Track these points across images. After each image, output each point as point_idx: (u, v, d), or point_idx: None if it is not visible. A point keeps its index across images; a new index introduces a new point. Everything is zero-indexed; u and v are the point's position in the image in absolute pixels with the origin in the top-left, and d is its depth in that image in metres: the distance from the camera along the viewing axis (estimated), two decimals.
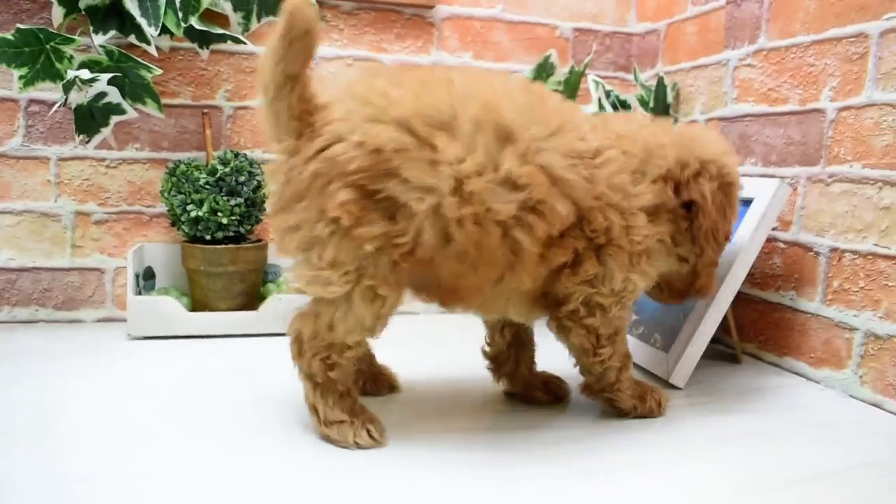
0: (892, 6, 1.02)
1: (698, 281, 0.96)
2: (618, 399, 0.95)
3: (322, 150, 0.78)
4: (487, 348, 1.03)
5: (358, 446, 0.83)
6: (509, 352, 1.02)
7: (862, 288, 1.06)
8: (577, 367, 0.96)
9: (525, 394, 1.02)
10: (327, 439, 0.85)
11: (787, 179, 1.20)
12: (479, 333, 1.05)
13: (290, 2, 0.76)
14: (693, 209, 0.92)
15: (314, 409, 0.86)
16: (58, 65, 1.21)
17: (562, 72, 1.42)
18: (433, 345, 1.30)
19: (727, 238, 0.96)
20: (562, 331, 0.92)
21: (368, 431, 0.84)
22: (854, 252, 1.08)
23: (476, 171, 0.78)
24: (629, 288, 0.89)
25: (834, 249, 1.11)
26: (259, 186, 1.32)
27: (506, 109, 0.81)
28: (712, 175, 0.92)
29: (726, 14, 1.36)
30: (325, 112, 0.81)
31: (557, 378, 1.04)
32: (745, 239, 1.09)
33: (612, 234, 0.87)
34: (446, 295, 0.86)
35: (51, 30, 1.18)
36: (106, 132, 1.27)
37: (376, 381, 1.03)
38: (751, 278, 1.27)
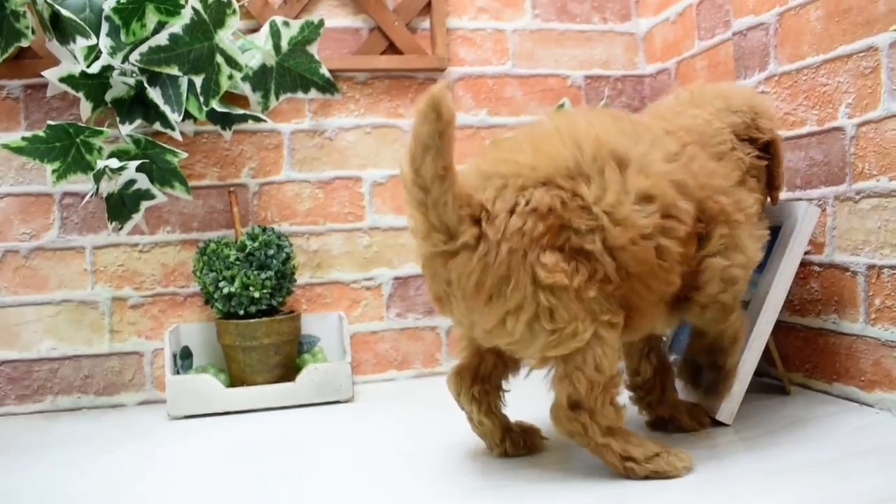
0: None
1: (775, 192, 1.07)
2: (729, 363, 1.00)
3: (505, 227, 0.81)
4: (631, 378, 1.06)
5: (687, 471, 0.86)
6: (655, 378, 1.05)
7: None
8: (697, 349, 1.02)
9: (672, 418, 1.04)
10: (656, 475, 0.85)
11: (814, 201, 1.18)
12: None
13: (433, 96, 0.76)
14: (771, 147, 1.04)
15: (628, 457, 0.85)
16: (88, 156, 1.26)
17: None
18: None
19: None
20: (701, 313, 0.96)
21: (678, 455, 0.87)
22: (892, 267, 1.04)
23: (617, 201, 0.84)
24: (755, 257, 0.97)
25: (871, 267, 1.08)
26: (288, 258, 1.34)
27: (611, 139, 0.87)
28: (759, 112, 1.04)
29: (734, 45, 1.37)
30: (479, 193, 0.83)
31: (698, 405, 1.07)
32: (778, 266, 1.07)
33: (727, 214, 0.93)
34: (631, 316, 0.89)
35: (80, 124, 1.23)
36: (137, 218, 1.30)
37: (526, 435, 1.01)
38: (790, 306, 1.23)
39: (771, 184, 1.06)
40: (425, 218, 0.82)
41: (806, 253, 1.18)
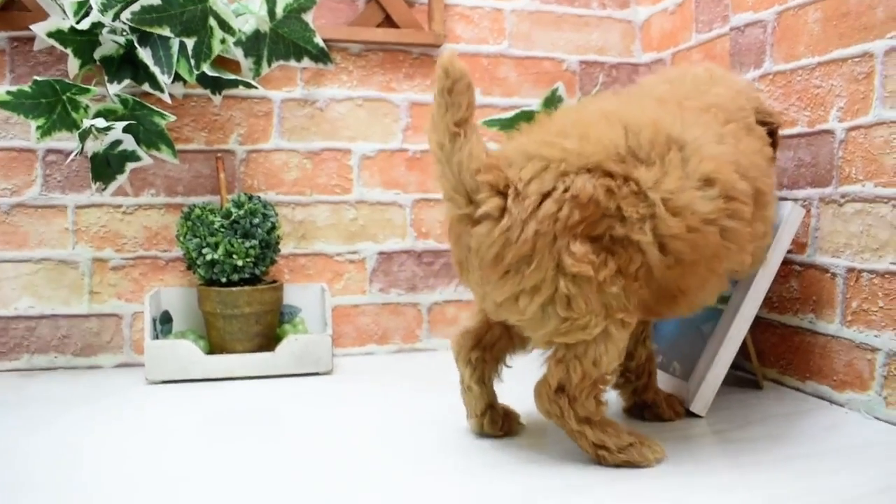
0: None
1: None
2: None
3: (535, 209, 0.81)
4: (625, 362, 1.05)
5: (658, 462, 0.88)
6: (647, 364, 1.06)
7: (881, 308, 1.04)
8: None
9: (653, 404, 1.06)
10: (627, 464, 0.87)
11: (799, 201, 1.19)
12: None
13: (441, 57, 0.81)
14: (775, 135, 1.07)
15: (601, 446, 0.87)
16: (74, 114, 1.23)
17: (569, 104, 1.43)
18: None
19: None
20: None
21: (651, 446, 0.88)
22: (871, 272, 1.06)
23: (678, 187, 0.84)
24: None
25: (851, 270, 1.10)
26: (273, 228, 1.34)
27: (667, 123, 0.88)
28: (762, 101, 1.08)
29: (731, 40, 1.37)
30: (515, 170, 0.83)
31: (674, 396, 1.09)
32: (762, 263, 1.08)
33: (766, 196, 0.96)
34: (665, 303, 0.91)
35: (67, 81, 1.21)
36: (122, 179, 1.29)
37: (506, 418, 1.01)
38: (769, 303, 1.25)
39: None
40: (444, 177, 0.84)
41: (788, 252, 1.19)
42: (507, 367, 1.00)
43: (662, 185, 0.84)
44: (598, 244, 0.82)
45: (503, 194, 0.83)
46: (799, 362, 1.20)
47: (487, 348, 0.98)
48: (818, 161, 1.16)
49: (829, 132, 1.14)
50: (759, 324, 1.26)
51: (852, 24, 1.10)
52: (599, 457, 0.87)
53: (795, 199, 1.20)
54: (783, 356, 1.23)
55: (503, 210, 0.82)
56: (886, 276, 1.04)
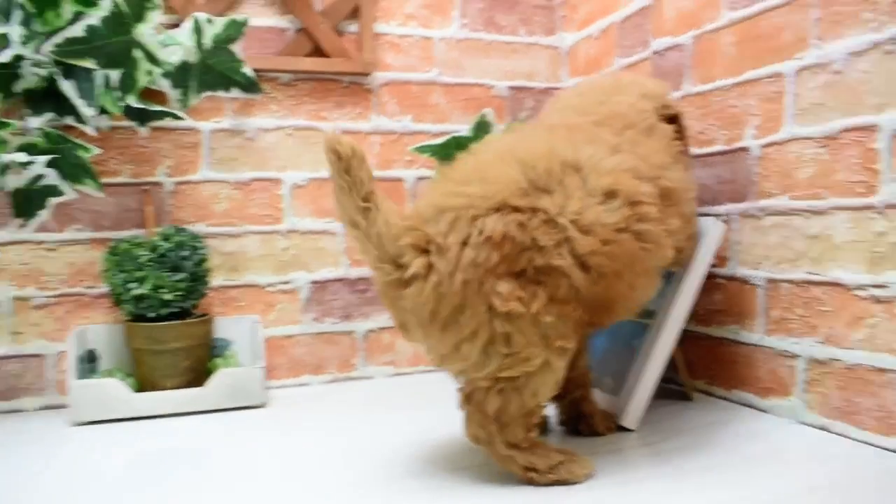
0: (804, 46, 1.07)
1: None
2: None
3: (458, 259, 0.82)
4: (567, 372, 1.04)
5: (587, 477, 0.88)
6: (587, 374, 1.08)
7: (800, 316, 1.08)
8: None
9: (590, 415, 1.07)
10: (557, 483, 0.87)
11: (721, 216, 1.23)
12: None
13: (326, 140, 0.82)
14: (678, 120, 1.10)
15: (531, 468, 0.87)
16: None
17: (499, 129, 1.45)
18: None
19: None
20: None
21: (579, 462, 0.89)
22: (789, 281, 1.10)
23: (583, 206, 0.86)
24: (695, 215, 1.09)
25: (770, 280, 1.13)
26: (203, 260, 1.32)
27: (559, 149, 0.90)
28: (661, 93, 1.10)
29: (652, 64, 1.41)
30: (432, 225, 0.84)
31: (607, 411, 1.10)
32: (685, 279, 1.11)
33: (674, 189, 0.98)
34: (602, 313, 0.93)
35: None
36: (44, 214, 1.25)
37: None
38: (695, 315, 1.28)
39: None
40: (366, 251, 0.84)
41: (712, 266, 1.23)
42: None
43: (568, 209, 0.86)
44: (523, 278, 0.84)
45: (426, 251, 0.83)
46: (725, 372, 1.22)
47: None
48: (737, 177, 1.20)
49: (746, 149, 1.18)
50: (686, 336, 1.29)
51: (764, 46, 1.14)
52: (529, 479, 0.87)
53: (717, 215, 1.23)
54: (710, 367, 1.26)
55: (429, 267, 0.83)
56: (803, 284, 1.07)
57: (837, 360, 1.02)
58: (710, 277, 1.24)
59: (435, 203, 0.86)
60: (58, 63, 1.20)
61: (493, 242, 0.82)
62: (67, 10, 1.20)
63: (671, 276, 1.12)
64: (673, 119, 1.09)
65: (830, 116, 1.03)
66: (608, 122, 1.00)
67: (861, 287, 0.98)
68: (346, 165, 0.81)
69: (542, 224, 0.84)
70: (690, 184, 1.07)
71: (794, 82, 1.09)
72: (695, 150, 1.29)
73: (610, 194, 0.88)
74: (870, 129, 0.98)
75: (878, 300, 0.96)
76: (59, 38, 1.19)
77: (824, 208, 1.04)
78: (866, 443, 0.98)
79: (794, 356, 1.08)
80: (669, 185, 0.97)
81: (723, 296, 1.23)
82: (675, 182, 0.99)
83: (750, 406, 1.17)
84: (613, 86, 1.08)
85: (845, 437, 1.01)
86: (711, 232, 1.12)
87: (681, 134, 1.10)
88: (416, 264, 0.83)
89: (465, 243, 0.82)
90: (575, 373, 1.06)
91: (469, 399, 0.89)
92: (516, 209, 0.84)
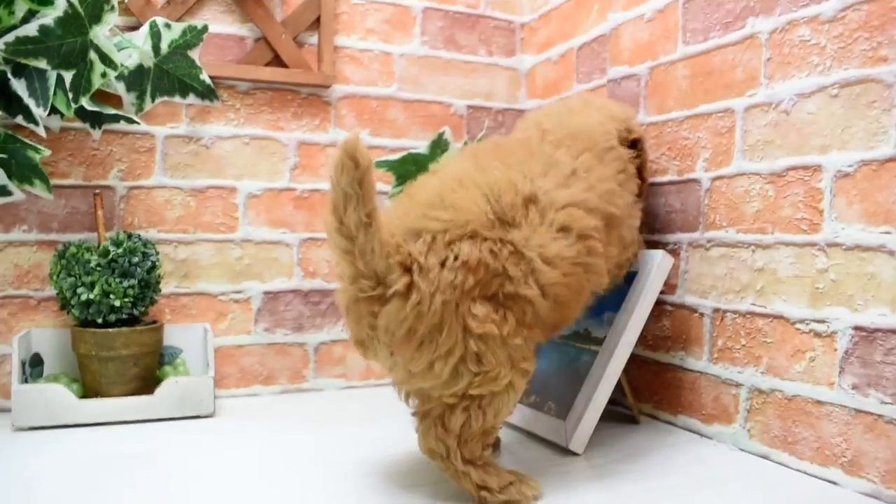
0: (754, 84, 1.11)
1: (644, 185, 1.20)
2: None
3: (439, 280, 0.83)
4: None
5: (535, 499, 0.91)
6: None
7: (744, 345, 1.12)
8: None
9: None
10: (508, 503, 0.89)
11: (670, 245, 1.26)
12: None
13: (347, 143, 0.77)
14: (639, 143, 1.18)
15: (484, 487, 0.89)
16: None
17: (456, 147, 1.47)
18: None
19: None
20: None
21: (528, 483, 0.92)
22: (734, 312, 1.14)
23: (546, 240, 0.91)
24: (636, 240, 1.16)
25: (716, 310, 1.17)
26: (154, 267, 1.30)
27: (518, 182, 0.93)
28: (628, 118, 1.18)
29: (608, 91, 1.44)
30: (404, 245, 0.85)
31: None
32: (634, 308, 1.13)
33: (619, 219, 1.04)
34: (548, 333, 0.97)
35: None
36: None
37: None
38: (643, 340, 1.31)
39: (641, 177, 1.18)
40: (352, 265, 0.83)
41: (661, 293, 1.26)
42: None
43: (532, 241, 0.90)
44: (495, 302, 0.87)
45: (409, 270, 0.84)
46: (671, 397, 1.26)
47: None
48: (687, 207, 1.24)
49: (696, 181, 1.22)
50: (634, 360, 1.32)
51: (716, 82, 1.18)
52: (481, 498, 0.89)
53: (666, 244, 1.27)
54: (657, 392, 1.29)
55: (411, 285, 0.83)
56: (748, 315, 1.11)
57: (778, 390, 1.06)
58: (659, 304, 1.28)
59: (408, 225, 0.87)
60: (7, 61, 1.17)
61: (469, 267, 0.84)
62: (21, 7, 1.17)
63: (622, 303, 1.15)
64: (634, 143, 1.15)
65: (777, 154, 1.07)
66: (565, 143, 1.04)
67: (802, 321, 1.03)
68: (361, 175, 0.78)
69: (511, 255, 0.88)
70: (636, 210, 1.13)
71: (743, 118, 1.13)
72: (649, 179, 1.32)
73: (564, 229, 0.93)
74: (814, 168, 1.02)
75: (817, 334, 1.00)
76: (10, 37, 1.16)
77: (769, 243, 1.08)
78: (804, 472, 1.02)
79: (738, 385, 1.12)
80: (614, 212, 1.02)
81: (670, 323, 1.26)
82: (620, 209, 1.04)
83: (694, 432, 1.21)
84: (580, 106, 1.14)
85: (785, 465, 1.04)
86: (661, 264, 1.15)
87: (641, 158, 1.15)
88: (400, 282, 0.83)
89: (442, 265, 0.84)
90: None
91: (427, 415, 0.91)
92: (488, 239, 0.87)
